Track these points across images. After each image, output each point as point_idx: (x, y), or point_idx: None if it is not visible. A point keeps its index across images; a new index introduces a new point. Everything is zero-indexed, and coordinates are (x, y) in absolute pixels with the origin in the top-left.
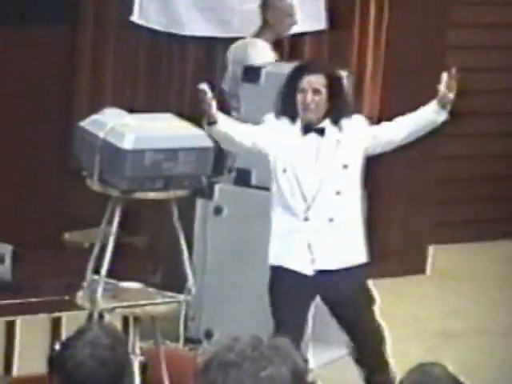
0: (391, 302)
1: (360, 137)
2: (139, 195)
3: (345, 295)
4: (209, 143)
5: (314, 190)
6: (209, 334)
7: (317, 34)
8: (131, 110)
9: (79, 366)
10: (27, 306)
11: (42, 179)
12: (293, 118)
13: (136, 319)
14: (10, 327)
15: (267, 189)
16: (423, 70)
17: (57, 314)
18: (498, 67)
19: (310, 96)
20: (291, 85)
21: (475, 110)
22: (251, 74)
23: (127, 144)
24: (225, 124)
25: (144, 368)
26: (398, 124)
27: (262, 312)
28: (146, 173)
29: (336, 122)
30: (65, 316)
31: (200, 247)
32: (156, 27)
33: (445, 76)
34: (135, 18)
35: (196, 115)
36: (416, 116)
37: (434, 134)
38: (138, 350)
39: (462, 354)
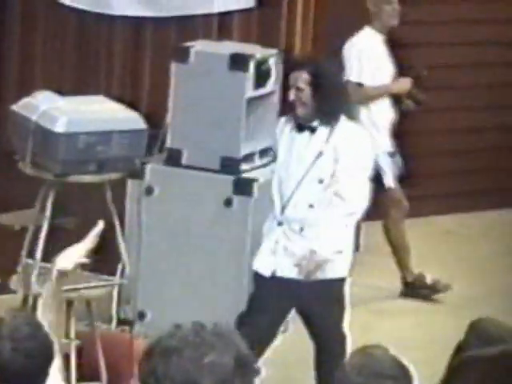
0: None
1: (341, 154)
2: (73, 178)
3: (310, 307)
4: (142, 125)
5: (289, 193)
6: (142, 315)
7: (245, 11)
8: (60, 92)
9: (4, 364)
10: None
11: None
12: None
13: (70, 303)
14: None
15: (198, 169)
16: None
17: None
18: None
19: (292, 93)
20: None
21: None
22: (181, 53)
23: (60, 127)
24: None
25: (79, 351)
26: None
27: (194, 293)
28: (80, 156)
29: (326, 122)
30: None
31: (132, 228)
32: (83, 7)
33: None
34: None
35: (125, 94)
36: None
37: None
38: (73, 334)
39: (395, 333)
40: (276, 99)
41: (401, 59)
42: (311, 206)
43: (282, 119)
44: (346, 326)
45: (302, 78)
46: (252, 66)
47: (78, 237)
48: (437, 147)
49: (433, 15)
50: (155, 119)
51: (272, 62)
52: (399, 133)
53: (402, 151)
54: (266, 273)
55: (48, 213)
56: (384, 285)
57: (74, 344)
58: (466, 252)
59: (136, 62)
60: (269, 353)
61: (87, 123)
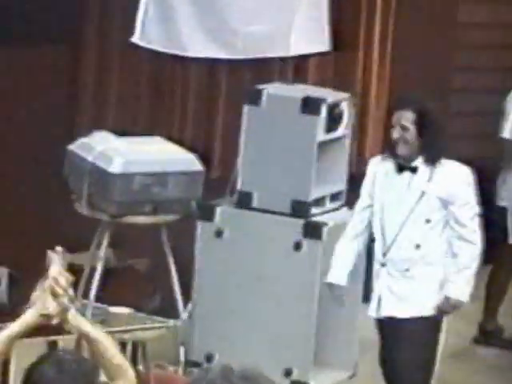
0: None
1: (447, 192)
2: (128, 219)
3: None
4: (198, 167)
5: (393, 235)
6: (209, 358)
7: (321, 55)
8: (133, 134)
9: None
10: None
11: (41, 202)
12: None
13: (123, 344)
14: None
15: (268, 211)
16: (428, 90)
17: (52, 338)
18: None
19: (396, 132)
20: (389, 121)
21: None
22: (253, 95)
23: (115, 168)
24: None
25: None
26: (461, 239)
27: (262, 336)
28: (135, 197)
29: (431, 161)
30: (62, 340)
31: (202, 270)
32: (158, 48)
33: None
34: (136, 38)
35: (198, 135)
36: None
37: None
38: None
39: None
40: (347, 143)
41: None
42: (418, 246)
43: (374, 159)
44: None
45: (407, 117)
46: (324, 109)
47: (147, 278)
48: None
49: None
50: (228, 162)
51: (344, 105)
52: None
53: None
54: (377, 316)
55: (102, 253)
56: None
57: None
58: None
59: (210, 103)
60: None
61: (143, 164)
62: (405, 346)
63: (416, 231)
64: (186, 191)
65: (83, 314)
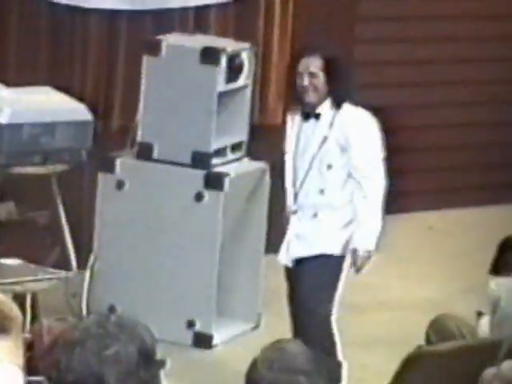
0: None
1: (344, 137)
2: (17, 170)
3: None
4: (88, 117)
5: (300, 181)
6: (111, 310)
7: (222, 5)
8: (32, 85)
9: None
10: None
11: None
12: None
13: (16, 296)
14: None
15: (169, 163)
16: (332, 41)
17: None
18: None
19: (305, 79)
20: (293, 69)
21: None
22: (152, 46)
23: (3, 118)
24: None
25: (30, 346)
26: (358, 192)
27: (164, 287)
28: (24, 147)
29: (334, 107)
30: None
31: (103, 222)
32: (60, 0)
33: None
34: None
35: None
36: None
37: None
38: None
39: (371, 328)
40: (248, 94)
41: None
42: (322, 191)
43: (289, 115)
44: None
45: (316, 64)
46: (224, 60)
47: (48, 231)
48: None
49: None
50: (129, 112)
51: (245, 56)
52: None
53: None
54: (288, 263)
55: None
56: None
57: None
58: (447, 248)
59: (111, 54)
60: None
61: (31, 114)
62: (307, 280)
63: (319, 177)
64: (76, 141)
65: None
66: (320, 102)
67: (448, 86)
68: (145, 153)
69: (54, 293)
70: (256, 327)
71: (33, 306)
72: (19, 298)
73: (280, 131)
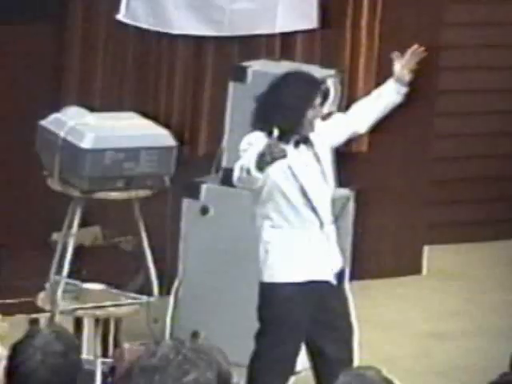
0: (385, 304)
1: (325, 142)
2: (100, 195)
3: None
4: (171, 142)
5: (320, 201)
6: (195, 336)
7: (308, 32)
8: (118, 111)
9: (30, 374)
10: (4, 306)
11: (31, 179)
12: (286, 134)
13: (97, 321)
14: None
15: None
16: (416, 70)
17: (34, 316)
18: (490, 66)
19: (321, 110)
20: (303, 98)
21: (468, 109)
22: (238, 72)
23: (87, 143)
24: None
25: (112, 370)
26: (360, 114)
27: (247, 313)
28: (107, 172)
29: None
30: (43, 317)
31: (187, 247)
32: (144, 26)
33: (398, 54)
34: (121, 16)
35: (184, 112)
36: (375, 101)
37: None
38: (98, 353)
39: (454, 356)
40: None
41: None
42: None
43: (258, 135)
44: None
45: None
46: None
47: (133, 256)
48: None
49: None
50: (214, 139)
51: (331, 83)
52: None
53: None
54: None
55: (74, 230)
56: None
57: (99, 362)
58: None
59: (196, 80)
60: None
61: (114, 139)
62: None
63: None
64: (159, 166)
65: (55, 291)
66: None
67: None
68: (230, 179)
69: (137, 318)
70: None
71: (116, 332)
72: (103, 323)
73: (366, 158)
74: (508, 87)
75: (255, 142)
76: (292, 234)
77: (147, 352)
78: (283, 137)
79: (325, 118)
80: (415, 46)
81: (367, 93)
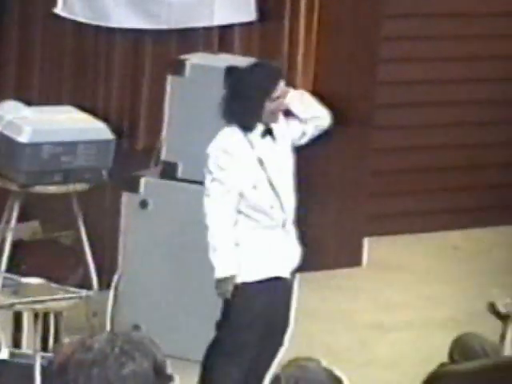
0: (325, 296)
1: (287, 137)
2: (38, 189)
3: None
4: (109, 136)
5: (286, 197)
6: (136, 328)
7: (246, 25)
8: (56, 105)
9: None
10: None
11: None
12: (249, 126)
13: (36, 315)
14: None
15: (194, 182)
16: (355, 59)
17: None
18: (431, 58)
19: (283, 102)
20: (264, 91)
21: (407, 101)
22: (177, 66)
23: (24, 137)
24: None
25: (51, 364)
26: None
27: (188, 307)
28: (44, 166)
29: None
30: None
31: (127, 241)
32: (81, 19)
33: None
34: (59, 10)
35: (123, 106)
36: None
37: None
38: (38, 347)
39: (395, 347)
40: None
41: None
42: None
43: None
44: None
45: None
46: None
47: (74, 251)
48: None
49: None
50: (154, 132)
51: None
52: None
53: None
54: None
55: (13, 224)
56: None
57: (38, 356)
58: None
59: (135, 74)
60: None
61: (52, 133)
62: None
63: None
64: (97, 160)
65: None
66: None
67: None
68: (169, 172)
69: (77, 313)
70: None
71: (56, 326)
72: (42, 318)
73: (307, 150)
74: (447, 78)
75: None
76: (259, 232)
77: (82, 346)
78: (247, 128)
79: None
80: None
81: (306, 84)
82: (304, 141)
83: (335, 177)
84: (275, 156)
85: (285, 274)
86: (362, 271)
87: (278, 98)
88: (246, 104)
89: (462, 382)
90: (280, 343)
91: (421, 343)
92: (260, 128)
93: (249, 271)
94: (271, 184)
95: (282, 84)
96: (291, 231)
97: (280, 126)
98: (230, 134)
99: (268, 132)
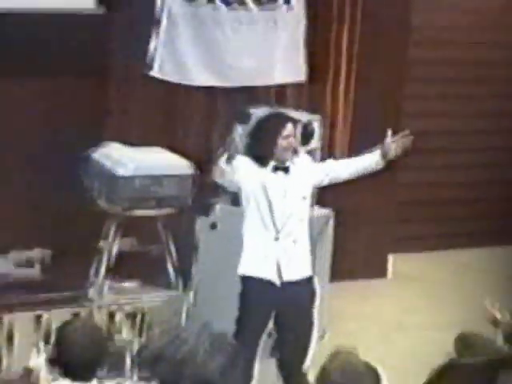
0: (357, 301)
1: (312, 173)
2: (135, 212)
3: (303, 302)
4: (189, 171)
5: (284, 219)
6: (208, 325)
7: (297, 85)
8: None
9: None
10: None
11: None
12: (263, 159)
13: (132, 313)
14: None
15: None
16: (384, 116)
17: (77, 309)
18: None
19: (293, 141)
20: (273, 130)
21: (427, 147)
22: (243, 116)
23: (127, 171)
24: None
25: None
26: (344, 165)
27: None
28: (140, 194)
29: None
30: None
31: (199, 255)
32: (172, 80)
33: (390, 135)
34: (155, 72)
35: (199, 146)
36: (359, 161)
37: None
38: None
39: (415, 345)
40: (318, 155)
41: None
42: (301, 220)
43: (242, 157)
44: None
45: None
46: (299, 127)
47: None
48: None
49: None
50: None
51: (315, 125)
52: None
53: None
54: (277, 282)
55: (117, 240)
56: None
57: (131, 342)
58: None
59: (208, 122)
60: None
61: (147, 169)
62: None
63: (298, 209)
64: (180, 190)
65: (101, 290)
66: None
67: None
68: (236, 200)
69: (163, 310)
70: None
71: (142, 322)
72: (135, 315)
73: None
74: (460, 130)
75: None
76: (256, 236)
77: (174, 338)
78: (261, 162)
79: (310, 152)
80: (406, 132)
81: (344, 135)
82: (319, 185)
83: (366, 205)
84: (283, 186)
85: (275, 279)
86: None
87: (288, 136)
88: (260, 143)
89: (472, 372)
90: (305, 343)
91: (437, 341)
92: (272, 164)
93: (246, 266)
94: (271, 208)
95: (290, 126)
96: (288, 248)
97: (303, 164)
98: (244, 160)
99: (281, 168)
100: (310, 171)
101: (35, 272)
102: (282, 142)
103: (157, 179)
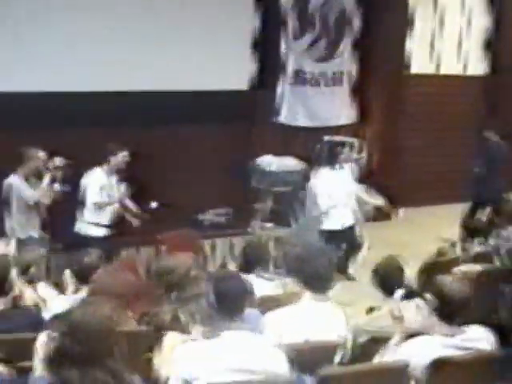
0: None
1: (348, 176)
2: (273, 189)
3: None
4: (299, 168)
5: (338, 203)
6: None
7: (352, 124)
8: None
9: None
10: (234, 233)
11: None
12: (332, 165)
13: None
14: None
15: None
16: (427, 148)
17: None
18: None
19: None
20: (335, 153)
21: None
22: (320, 144)
23: (269, 168)
24: None
25: None
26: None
27: None
28: (274, 179)
29: None
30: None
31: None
32: (300, 124)
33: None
34: (282, 118)
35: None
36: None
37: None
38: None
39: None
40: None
41: None
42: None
43: (323, 169)
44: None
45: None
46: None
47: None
48: None
49: None
50: None
51: (359, 144)
52: None
53: None
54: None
55: (266, 202)
56: None
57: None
58: None
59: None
60: None
61: (279, 166)
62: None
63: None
64: (293, 182)
65: (256, 228)
66: None
67: None
68: None
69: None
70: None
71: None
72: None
73: None
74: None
75: None
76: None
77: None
78: (331, 165)
79: (356, 160)
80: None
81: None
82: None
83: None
84: (337, 179)
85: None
86: None
87: (342, 155)
88: (330, 155)
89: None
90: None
91: None
92: (336, 166)
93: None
94: (330, 196)
95: (346, 150)
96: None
97: (349, 170)
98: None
99: (339, 167)
100: (350, 173)
101: (222, 220)
102: (341, 157)
103: (284, 172)
